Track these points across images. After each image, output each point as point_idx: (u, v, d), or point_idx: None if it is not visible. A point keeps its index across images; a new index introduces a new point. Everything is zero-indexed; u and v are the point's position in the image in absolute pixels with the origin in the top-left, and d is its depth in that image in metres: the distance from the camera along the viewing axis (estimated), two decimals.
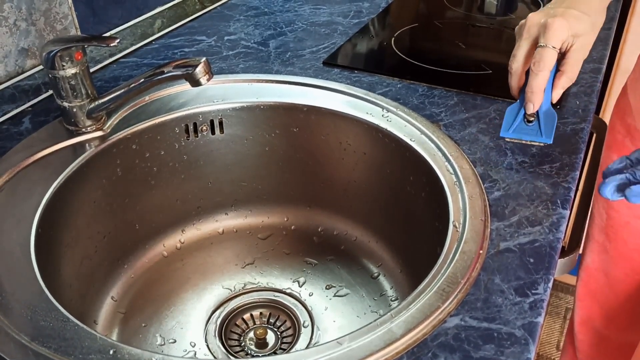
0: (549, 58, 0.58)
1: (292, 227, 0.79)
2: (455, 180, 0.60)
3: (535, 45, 0.59)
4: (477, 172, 0.61)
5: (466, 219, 0.55)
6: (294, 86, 0.76)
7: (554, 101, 0.61)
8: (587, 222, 0.87)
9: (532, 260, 0.51)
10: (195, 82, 0.58)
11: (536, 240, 0.53)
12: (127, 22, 0.84)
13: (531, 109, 0.61)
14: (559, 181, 0.61)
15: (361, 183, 0.75)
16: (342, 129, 0.72)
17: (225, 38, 0.89)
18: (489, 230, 0.54)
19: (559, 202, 0.58)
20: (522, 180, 0.61)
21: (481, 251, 0.51)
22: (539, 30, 0.59)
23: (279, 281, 0.73)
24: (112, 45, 0.58)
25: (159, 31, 0.90)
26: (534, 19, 0.59)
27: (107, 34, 0.82)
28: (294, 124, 0.74)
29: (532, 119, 0.62)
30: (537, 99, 0.60)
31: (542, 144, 0.63)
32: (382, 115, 0.70)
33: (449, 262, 0.50)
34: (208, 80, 0.59)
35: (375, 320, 0.45)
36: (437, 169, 0.62)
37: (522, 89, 0.63)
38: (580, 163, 0.64)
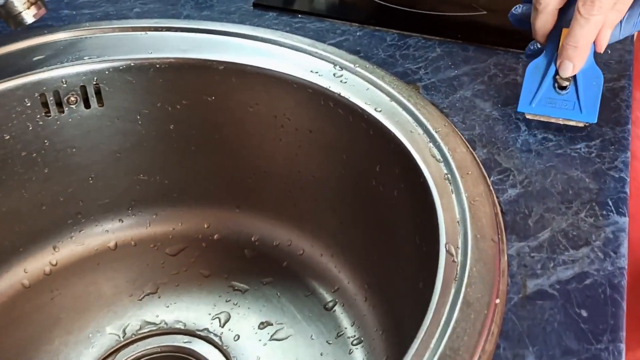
0: None
1: (215, 237, 0.57)
2: (445, 172, 0.38)
3: None
4: (477, 158, 0.39)
5: (467, 239, 0.33)
6: (208, 35, 0.52)
7: (601, 49, 0.40)
8: None
9: (585, 313, 0.30)
10: (14, 21, 0.35)
11: (586, 274, 0.32)
12: None
13: (569, 71, 0.40)
14: (605, 168, 0.39)
15: (307, 174, 0.52)
16: (277, 97, 0.50)
17: None
18: (506, 258, 0.32)
19: (609, 203, 0.37)
20: (547, 168, 0.39)
21: (497, 300, 0.30)
22: None
23: (192, 318, 0.51)
24: None
25: None
26: None
27: None
28: (207, 90, 0.51)
29: (566, 83, 0.41)
30: (582, 58, 0.39)
31: (582, 124, 0.42)
32: (335, 75, 0.47)
33: (444, 324, 0.28)
34: (35, 16, 0.36)
35: None
36: (417, 153, 0.40)
37: (551, 35, 0.41)
38: (630, 139, 0.43)
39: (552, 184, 0.38)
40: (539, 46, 0.43)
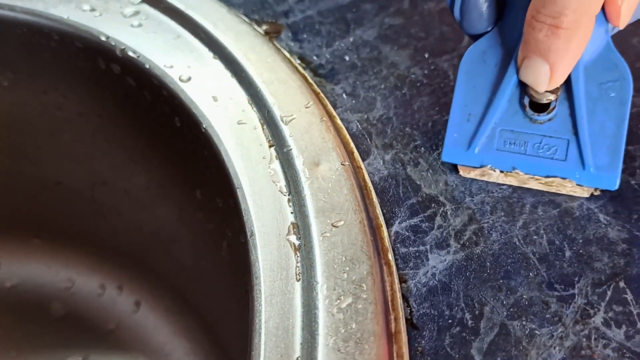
0: None
1: (7, 285, 0.36)
2: (293, 220, 0.17)
3: None
4: (370, 180, 0.18)
5: None
6: None
7: (621, 22, 0.17)
8: None
9: None
10: None
11: None
12: None
13: (543, 80, 0.18)
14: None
15: (118, 187, 0.31)
16: (38, 58, 0.28)
17: None
18: None
19: None
20: (519, 196, 0.18)
21: None
22: None
23: None
24: None
25: None
26: None
27: None
28: None
29: (549, 98, 0.18)
30: (573, 51, 0.17)
31: (587, 192, 0.19)
32: (124, 14, 0.25)
33: None
34: None
35: None
36: (240, 171, 0.19)
37: (507, 16, 0.19)
38: None
39: (528, 236, 0.17)
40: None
